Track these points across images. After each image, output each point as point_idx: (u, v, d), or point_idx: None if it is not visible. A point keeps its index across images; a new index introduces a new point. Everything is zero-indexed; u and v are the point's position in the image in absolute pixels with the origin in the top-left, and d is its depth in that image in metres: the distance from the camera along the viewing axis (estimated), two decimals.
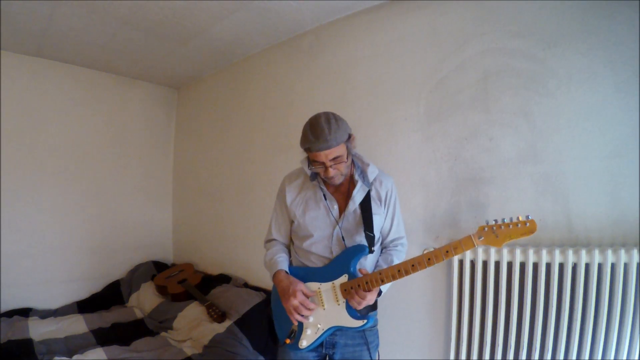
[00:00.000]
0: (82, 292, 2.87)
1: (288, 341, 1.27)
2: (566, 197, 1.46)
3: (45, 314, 2.53)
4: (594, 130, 1.41)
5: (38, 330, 2.21)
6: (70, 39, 2.43)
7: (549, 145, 1.50)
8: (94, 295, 2.88)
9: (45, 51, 2.62)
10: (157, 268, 3.11)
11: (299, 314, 1.22)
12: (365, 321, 1.21)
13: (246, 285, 2.51)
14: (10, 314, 2.41)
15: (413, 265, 1.15)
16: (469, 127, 1.69)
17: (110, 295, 2.91)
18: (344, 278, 1.24)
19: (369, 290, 1.18)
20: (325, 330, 1.25)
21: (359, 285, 1.19)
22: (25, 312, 2.48)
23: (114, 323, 2.44)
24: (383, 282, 1.17)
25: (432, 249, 1.21)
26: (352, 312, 1.22)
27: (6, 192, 2.57)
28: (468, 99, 1.69)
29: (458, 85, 1.72)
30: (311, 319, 1.26)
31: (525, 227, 1.04)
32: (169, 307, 2.50)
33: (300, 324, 1.27)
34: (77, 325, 2.37)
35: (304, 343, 1.25)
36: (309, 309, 1.23)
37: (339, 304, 1.24)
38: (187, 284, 2.62)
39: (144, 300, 2.74)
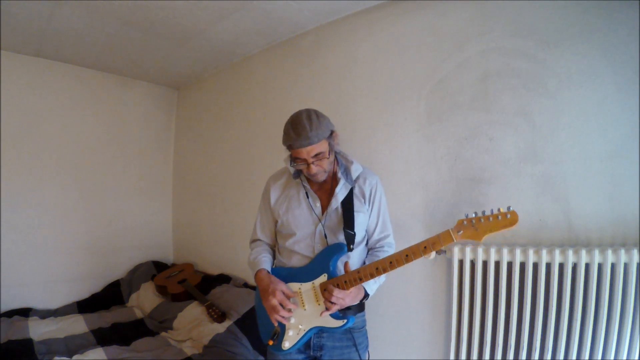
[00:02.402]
0: (82, 292, 2.87)
1: (271, 342, 1.25)
2: (566, 197, 1.46)
3: (45, 314, 2.53)
4: (594, 130, 1.41)
5: (38, 330, 2.21)
6: (70, 39, 2.43)
7: (549, 145, 1.50)
8: (94, 295, 2.88)
9: (45, 51, 2.62)
10: (157, 268, 3.11)
11: (277, 314, 1.20)
12: (346, 321, 1.19)
13: (246, 285, 2.50)
14: (10, 314, 2.41)
15: (391, 263, 1.13)
16: (469, 127, 1.69)
17: (110, 295, 2.90)
18: (323, 277, 1.23)
19: (347, 289, 1.17)
20: (306, 331, 1.23)
21: (337, 285, 1.18)
22: (25, 312, 2.48)
23: (114, 323, 2.44)
24: (361, 280, 1.16)
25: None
26: (333, 312, 1.21)
27: (6, 192, 2.57)
28: (468, 99, 1.69)
29: (458, 85, 1.72)
30: (292, 320, 1.24)
31: (507, 219, 1.01)
32: (169, 307, 2.50)
33: (283, 325, 1.26)
34: (77, 325, 2.37)
35: (286, 344, 1.24)
36: (289, 309, 1.21)
37: (319, 304, 1.22)
38: (187, 284, 2.62)
39: (144, 300, 2.74)
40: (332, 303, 1.17)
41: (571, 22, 1.45)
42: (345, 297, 1.18)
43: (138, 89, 3.31)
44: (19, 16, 2.11)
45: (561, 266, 1.38)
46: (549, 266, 1.40)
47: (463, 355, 1.58)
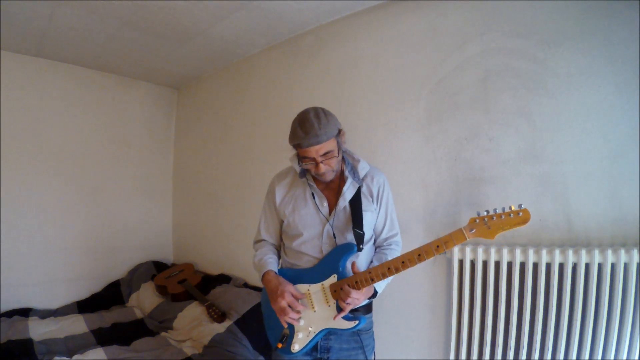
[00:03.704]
0: (82, 292, 2.87)
1: (280, 345, 1.23)
2: (566, 197, 1.46)
3: (45, 314, 2.53)
4: (594, 130, 1.41)
5: (38, 330, 2.21)
6: (70, 39, 2.43)
7: (549, 145, 1.50)
8: (94, 295, 2.88)
9: (45, 51, 2.62)
10: (157, 268, 3.11)
11: (287, 315, 1.18)
12: (357, 322, 1.17)
13: (246, 285, 2.50)
14: (10, 314, 2.41)
15: (403, 262, 1.12)
16: (469, 127, 1.69)
17: (110, 295, 2.90)
18: (333, 278, 1.21)
19: (358, 289, 1.15)
20: (316, 333, 1.22)
21: (348, 285, 1.17)
22: (25, 312, 2.48)
23: (114, 323, 2.44)
24: (373, 280, 1.15)
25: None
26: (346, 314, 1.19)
27: (6, 192, 2.57)
28: (468, 99, 1.69)
29: (458, 85, 1.72)
30: (302, 322, 1.23)
31: (519, 217, 1.01)
32: (169, 307, 2.50)
33: (292, 328, 1.24)
34: (77, 325, 2.37)
35: (295, 347, 1.22)
36: (298, 311, 1.20)
37: (329, 306, 1.21)
38: (187, 284, 2.62)
39: (144, 300, 2.74)
40: (346, 303, 1.15)
41: (571, 22, 1.45)
42: (360, 297, 1.16)
43: (138, 89, 3.31)
44: (19, 16, 2.11)
45: (561, 266, 1.38)
46: (549, 266, 1.40)
47: (463, 355, 1.58)
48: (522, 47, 1.56)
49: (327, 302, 1.21)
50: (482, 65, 1.65)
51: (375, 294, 1.24)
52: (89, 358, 1.88)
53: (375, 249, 1.35)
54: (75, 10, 2.07)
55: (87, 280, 2.91)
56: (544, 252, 1.40)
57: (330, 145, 1.18)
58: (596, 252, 1.32)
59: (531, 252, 1.43)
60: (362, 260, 1.28)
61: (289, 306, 1.18)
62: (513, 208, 1.03)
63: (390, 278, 1.25)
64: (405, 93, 1.89)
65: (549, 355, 1.40)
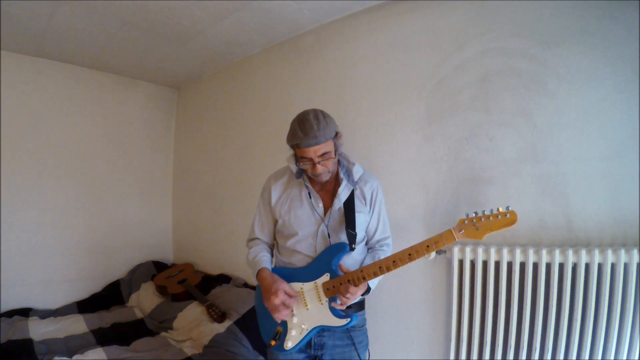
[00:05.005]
0: (82, 292, 2.87)
1: (273, 343, 1.26)
2: (566, 197, 1.46)
3: (45, 314, 2.53)
4: (594, 130, 1.41)
5: (38, 330, 2.21)
6: (70, 39, 2.43)
7: (549, 145, 1.50)
8: (94, 295, 2.88)
9: (45, 51, 2.62)
10: (157, 268, 3.11)
11: (280, 312, 1.21)
12: (349, 319, 1.20)
13: (246, 285, 2.51)
14: (10, 314, 2.41)
15: (394, 262, 1.15)
16: (469, 127, 1.69)
17: (110, 295, 2.90)
18: (325, 277, 1.24)
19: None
20: (309, 330, 1.24)
21: (340, 284, 1.19)
22: (25, 312, 2.48)
23: (114, 323, 2.44)
24: (365, 279, 1.17)
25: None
26: (336, 311, 1.22)
27: (6, 192, 2.57)
28: (468, 99, 1.69)
29: (458, 85, 1.72)
30: (295, 320, 1.25)
31: (506, 219, 1.04)
32: (169, 307, 2.50)
33: (285, 325, 1.26)
34: (77, 325, 2.37)
35: (289, 344, 1.24)
36: (290, 309, 1.22)
37: (322, 304, 1.23)
38: (187, 284, 2.62)
39: (144, 300, 2.74)
40: (346, 297, 1.17)
41: (571, 22, 1.45)
42: (358, 292, 1.19)
43: (138, 89, 3.31)
44: (19, 16, 2.11)
45: (561, 266, 1.38)
46: (549, 266, 1.40)
47: (463, 355, 1.59)
48: (522, 47, 1.56)
49: (320, 300, 1.24)
50: (482, 65, 1.65)
51: (368, 290, 1.26)
52: (89, 358, 1.88)
53: (368, 250, 1.38)
54: (75, 10, 2.07)
55: (87, 280, 2.91)
56: (544, 252, 1.40)
57: (328, 146, 1.21)
58: (596, 252, 1.32)
59: (531, 252, 1.43)
60: (355, 260, 1.31)
61: (282, 304, 1.20)
62: (501, 210, 1.05)
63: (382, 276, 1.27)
64: (405, 93, 1.89)
65: (549, 355, 1.40)
